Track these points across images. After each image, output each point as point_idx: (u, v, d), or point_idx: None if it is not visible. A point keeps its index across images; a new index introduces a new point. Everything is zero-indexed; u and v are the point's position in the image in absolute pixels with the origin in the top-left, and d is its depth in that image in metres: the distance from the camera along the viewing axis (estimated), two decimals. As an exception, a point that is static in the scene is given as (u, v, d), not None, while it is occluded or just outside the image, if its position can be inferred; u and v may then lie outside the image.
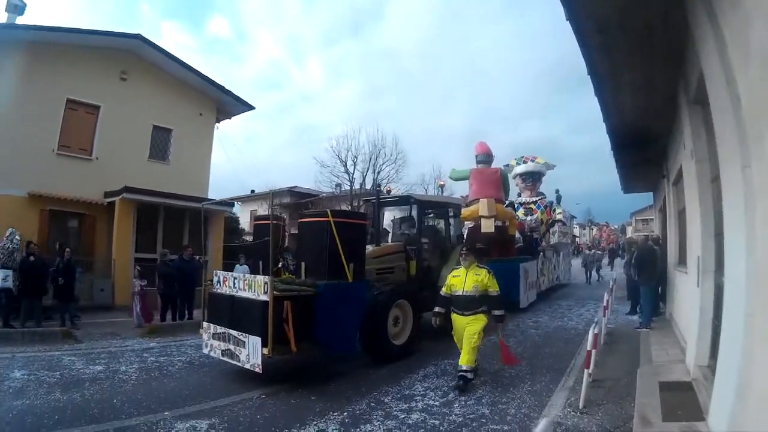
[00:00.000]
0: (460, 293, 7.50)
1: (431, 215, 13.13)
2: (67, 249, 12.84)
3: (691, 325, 7.40)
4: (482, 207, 16.80)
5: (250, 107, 22.50)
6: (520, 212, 23.45)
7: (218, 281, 8.51)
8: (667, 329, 10.82)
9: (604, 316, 10.74)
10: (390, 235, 12.90)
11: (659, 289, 12.81)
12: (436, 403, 6.68)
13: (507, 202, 20.64)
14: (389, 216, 13.45)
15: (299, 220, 9.59)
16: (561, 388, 7.30)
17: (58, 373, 8.13)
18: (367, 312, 8.71)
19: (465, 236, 15.89)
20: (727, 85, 4.10)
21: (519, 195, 25.02)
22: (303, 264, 8.81)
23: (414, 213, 12.10)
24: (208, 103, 21.05)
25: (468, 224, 17.64)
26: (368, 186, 33.19)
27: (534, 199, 24.52)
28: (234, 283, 8.08)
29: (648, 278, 11.80)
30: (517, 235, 19.72)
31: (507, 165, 24.91)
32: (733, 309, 4.46)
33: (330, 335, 7.90)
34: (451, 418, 6.13)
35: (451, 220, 13.26)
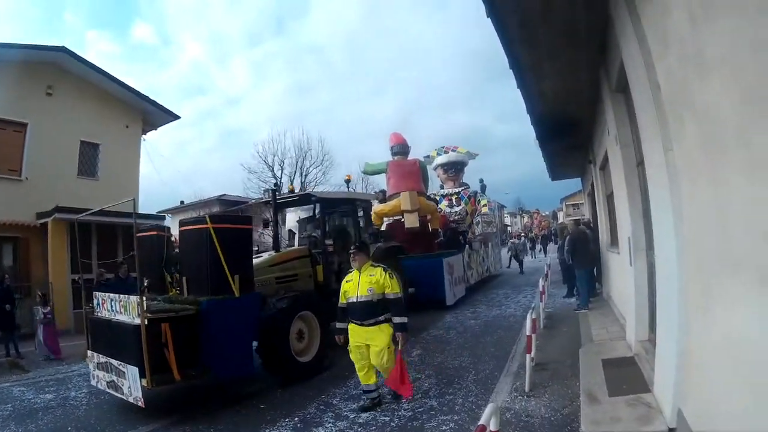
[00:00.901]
0: (354, 299, 6.36)
1: (338, 213, 11.65)
2: (6, 275, 12.27)
3: (628, 303, 7.67)
4: (404, 200, 16.01)
5: (176, 117, 22.13)
6: (443, 204, 22.60)
7: (98, 303, 7.55)
8: (606, 308, 11.15)
9: (541, 301, 11.10)
10: (296, 238, 12.35)
11: (594, 270, 13.22)
12: (384, 400, 6.71)
13: (428, 194, 20.11)
14: (293, 218, 12.80)
15: (179, 229, 8.37)
16: (506, 374, 7.43)
17: (9, 405, 7.85)
18: (264, 327, 7.74)
19: (382, 234, 15.17)
20: (646, 72, 4.32)
21: (442, 187, 24.25)
22: (185, 279, 8.02)
23: (317, 212, 11.23)
24: (134, 115, 20.51)
25: (387, 221, 17.07)
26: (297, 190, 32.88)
27: (457, 190, 23.60)
28: (111, 305, 7.18)
29: (581, 261, 12.10)
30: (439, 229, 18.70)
31: (427, 156, 24.45)
32: (666, 284, 4.69)
33: (220, 357, 7.05)
34: (400, 413, 6.20)
35: (361, 218, 12.26)
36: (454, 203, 22.74)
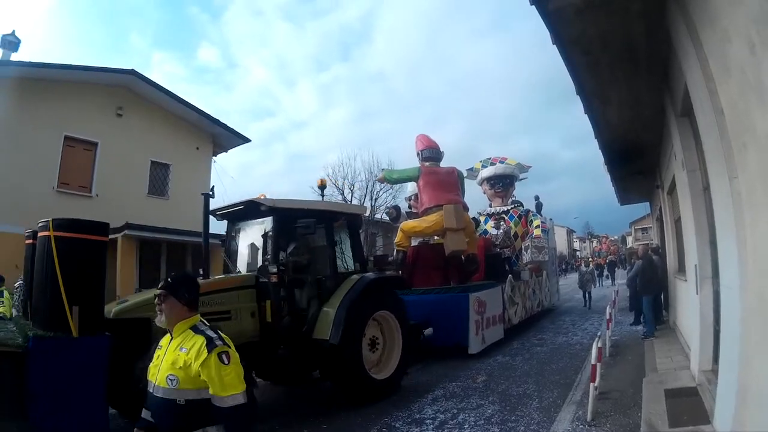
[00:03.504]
0: (152, 390, 3.20)
1: (306, 229, 7.76)
2: None
3: (693, 332, 7.47)
4: (448, 216, 12.53)
5: (246, 140, 22.80)
6: (489, 225, 19.38)
7: None
8: (671, 337, 10.88)
9: (608, 329, 10.84)
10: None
11: (661, 297, 12.88)
12: (447, 425, 6.71)
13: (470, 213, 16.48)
14: (252, 236, 8.65)
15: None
16: (569, 403, 7.33)
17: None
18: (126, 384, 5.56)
19: (400, 259, 13.05)
20: (710, 99, 4.27)
21: (490, 205, 20.73)
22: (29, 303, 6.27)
23: (271, 227, 7.89)
24: (204, 137, 21.31)
25: (402, 243, 13.34)
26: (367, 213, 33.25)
27: (505, 208, 20.15)
28: None
29: (648, 288, 11.85)
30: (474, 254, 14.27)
31: (471, 168, 21.04)
32: (729, 315, 4.58)
33: (51, 417, 5.03)
34: (463, 439, 6.14)
35: (346, 236, 9.27)
36: (502, 224, 19.25)
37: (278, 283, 7.51)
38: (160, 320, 3.28)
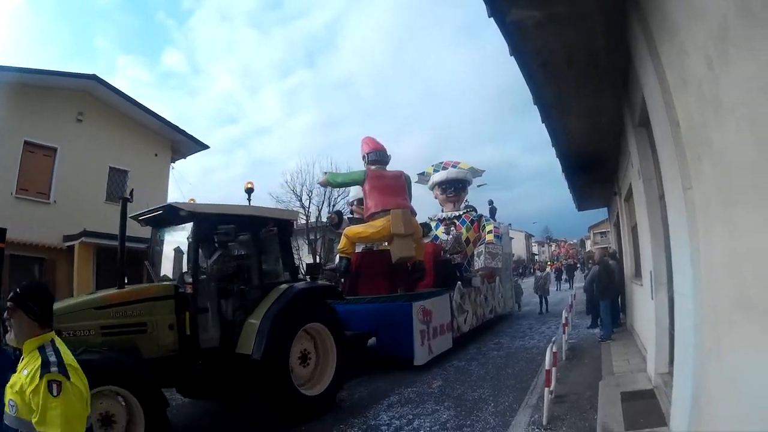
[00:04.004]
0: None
1: (228, 236, 7.41)
2: None
3: (649, 335, 7.66)
4: (395, 221, 11.90)
5: (205, 146, 22.70)
6: (440, 231, 18.82)
7: None
8: (628, 339, 11.09)
9: (564, 333, 11.01)
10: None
11: (618, 300, 13.13)
12: (402, 430, 6.74)
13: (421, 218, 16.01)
14: (174, 243, 8.25)
15: None
16: (524, 407, 7.41)
17: None
18: None
19: (344, 266, 12.69)
20: (666, 111, 4.37)
21: (442, 211, 20.15)
22: None
23: (191, 234, 7.58)
24: (163, 143, 21.08)
25: (346, 250, 12.82)
26: (324, 219, 33.07)
27: (457, 213, 19.54)
28: None
29: (605, 292, 12.04)
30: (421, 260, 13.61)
31: (422, 173, 20.66)
32: (683, 321, 4.70)
33: None
34: (418, 445, 6.14)
35: (275, 243, 8.66)
36: (452, 229, 18.71)
37: (198, 294, 7.09)
38: (9, 337, 2.80)
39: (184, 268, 7.62)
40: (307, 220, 34.71)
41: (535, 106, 7.42)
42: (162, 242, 8.35)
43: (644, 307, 8.61)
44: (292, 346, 7.60)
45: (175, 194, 22.71)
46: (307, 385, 7.89)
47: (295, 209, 31.55)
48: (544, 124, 8.38)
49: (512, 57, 5.71)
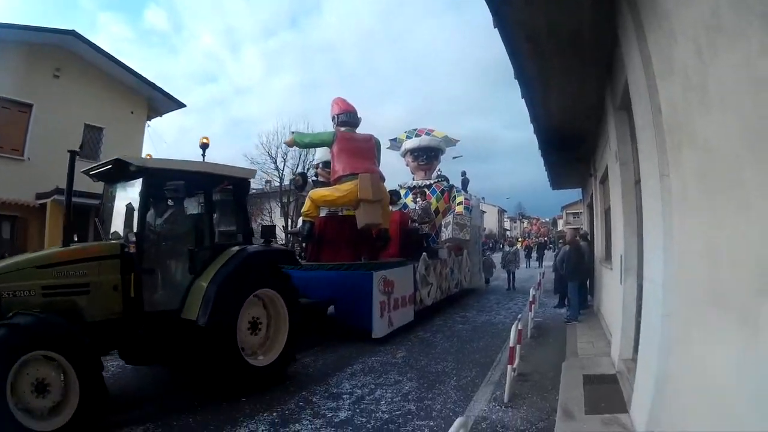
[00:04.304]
0: None
1: (177, 193, 6.85)
2: (6, 252, 12.30)
3: (615, 320, 7.68)
4: (364, 186, 11.55)
5: (181, 105, 22.35)
6: (409, 199, 18.04)
7: None
8: (594, 322, 11.15)
9: (531, 310, 11.10)
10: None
11: (587, 282, 13.23)
12: (364, 400, 6.72)
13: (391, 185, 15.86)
14: (125, 200, 7.51)
15: None
16: (487, 383, 7.42)
17: None
18: None
19: (307, 230, 12.26)
20: (649, 96, 4.30)
21: (413, 179, 19.50)
22: None
23: (139, 191, 6.85)
24: (139, 101, 20.69)
25: (310, 213, 12.30)
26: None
27: (428, 182, 18.92)
28: None
29: (574, 273, 12.11)
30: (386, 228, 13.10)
31: (395, 139, 20.10)
32: (651, 309, 4.69)
33: None
34: (377, 414, 6.18)
35: (230, 204, 8.35)
36: (418, 199, 17.93)
37: (144, 254, 6.66)
38: None
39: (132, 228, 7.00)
40: (281, 183, 34.48)
41: (516, 81, 7.30)
42: (113, 198, 7.80)
43: (612, 291, 8.64)
44: (241, 312, 7.17)
45: (150, 153, 22.38)
46: (257, 354, 7.54)
47: (269, 172, 31.24)
48: (523, 100, 8.29)
49: (496, 29, 5.58)
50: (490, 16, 5.28)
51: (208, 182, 7.65)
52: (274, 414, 6.27)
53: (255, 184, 35.26)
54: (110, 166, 7.15)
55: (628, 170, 6.96)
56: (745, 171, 2.40)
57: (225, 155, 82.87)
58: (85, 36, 18.09)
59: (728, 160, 2.65)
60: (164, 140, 70.92)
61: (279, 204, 32.71)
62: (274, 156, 34.32)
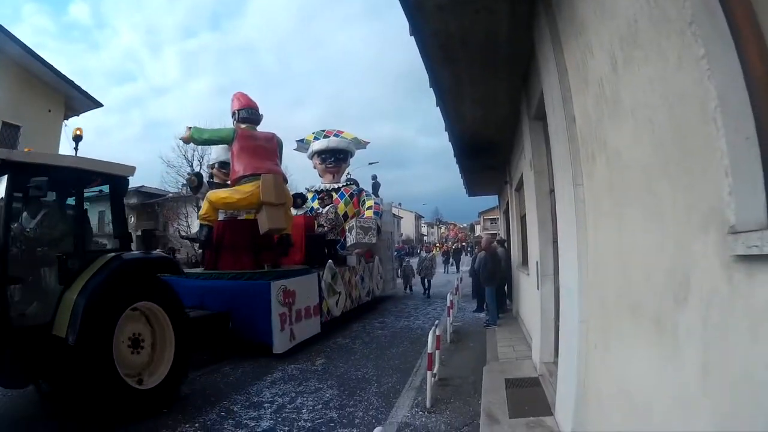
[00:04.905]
0: None
1: (38, 191, 5.90)
2: None
3: (535, 325, 7.82)
4: (266, 188, 10.81)
5: (99, 104, 21.39)
6: (316, 203, 17.66)
7: None
8: (514, 326, 11.32)
9: (449, 315, 11.17)
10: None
11: (505, 287, 13.47)
12: (285, 408, 6.63)
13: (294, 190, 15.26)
14: None
15: None
16: (408, 389, 7.44)
17: None
18: None
19: (204, 235, 11.32)
20: (563, 106, 4.40)
21: (322, 182, 18.86)
22: None
23: (5, 188, 5.98)
24: (57, 99, 19.57)
25: (208, 216, 11.34)
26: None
27: (336, 185, 18.28)
28: None
29: (491, 279, 12.23)
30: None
31: (301, 140, 19.45)
32: (568, 315, 4.80)
33: None
34: (300, 423, 6.11)
35: (105, 203, 7.46)
36: (328, 202, 17.49)
37: (8, 261, 5.80)
38: None
39: None
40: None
41: (432, 89, 7.37)
42: None
43: (530, 296, 8.83)
44: (116, 328, 6.26)
45: (66, 151, 21.29)
46: (142, 376, 6.70)
47: (185, 175, 30.19)
48: (438, 108, 8.38)
49: (412, 37, 5.61)
50: (407, 23, 5.31)
51: (80, 179, 6.83)
52: (197, 425, 6.08)
53: (171, 188, 34.28)
54: None
55: (543, 179, 7.11)
56: (657, 182, 2.46)
57: (141, 158, 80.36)
58: (4, 26, 16.89)
59: (638, 171, 2.72)
60: (80, 140, 67.87)
61: (195, 209, 31.81)
62: (190, 159, 33.50)
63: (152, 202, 36.45)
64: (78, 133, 8.21)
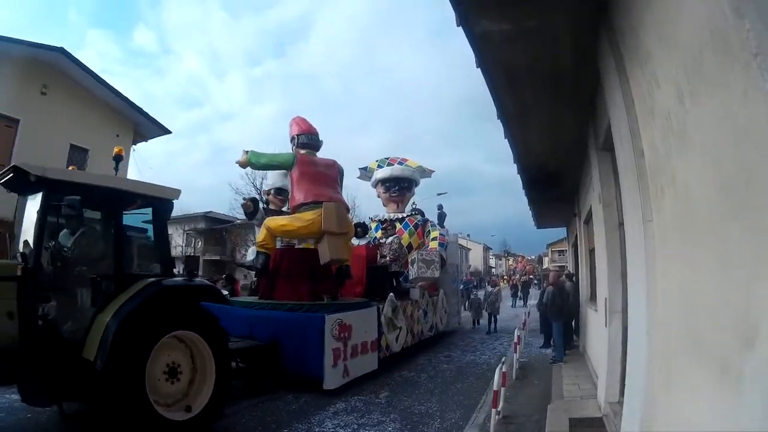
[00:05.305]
0: None
1: (72, 210, 5.81)
2: None
3: (601, 362, 7.58)
4: (328, 216, 10.41)
5: (167, 131, 22.34)
6: (380, 233, 17.01)
7: None
8: (580, 363, 11.03)
9: (515, 351, 10.90)
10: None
11: (572, 322, 13.12)
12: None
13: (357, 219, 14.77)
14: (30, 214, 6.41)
15: None
16: (471, 425, 7.30)
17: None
18: None
19: (261, 263, 10.92)
20: (631, 138, 4.29)
21: (386, 213, 18.27)
22: None
23: (38, 205, 5.99)
24: (126, 125, 20.60)
25: (266, 244, 10.98)
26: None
27: (401, 215, 17.64)
28: None
29: (559, 314, 11.99)
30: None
31: (365, 168, 18.91)
32: (635, 355, 4.61)
33: None
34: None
35: (148, 225, 7.32)
36: (392, 232, 16.72)
37: (42, 278, 5.80)
38: None
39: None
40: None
41: (499, 120, 7.35)
42: (24, 211, 6.78)
43: (598, 333, 8.56)
44: (151, 355, 6.07)
45: (134, 177, 22.17)
46: (176, 407, 6.47)
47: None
48: (506, 139, 8.32)
49: (478, 69, 5.62)
50: (472, 53, 5.32)
51: (120, 200, 6.69)
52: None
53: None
54: (11, 175, 6.24)
55: (612, 212, 6.92)
56: (725, 222, 2.35)
57: (208, 182, 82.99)
58: (73, 54, 18.09)
59: (707, 210, 2.61)
60: (149, 166, 70.75)
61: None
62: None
63: (220, 228, 37.47)
64: (118, 152, 8.13)
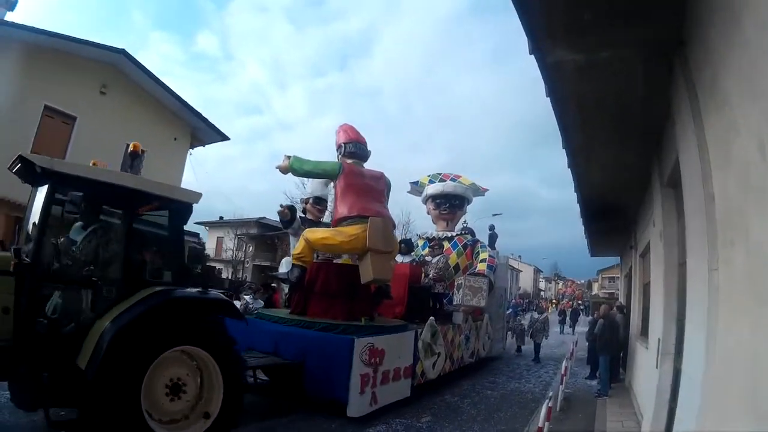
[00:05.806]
0: None
1: (72, 207, 5.62)
2: None
3: (648, 402, 7.37)
4: (374, 233, 9.53)
5: (225, 137, 22.62)
6: (426, 251, 15.92)
7: None
8: (625, 398, 10.76)
9: (561, 383, 10.69)
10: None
11: (620, 355, 12.80)
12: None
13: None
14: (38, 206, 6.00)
15: None
16: (514, 457, 7.11)
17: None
18: None
19: (296, 276, 9.97)
20: (702, 182, 4.13)
21: (436, 230, 17.24)
22: None
23: (44, 198, 5.66)
24: (183, 128, 21.02)
25: (303, 257, 10.06)
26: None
27: (450, 234, 16.53)
28: None
29: (607, 348, 11.72)
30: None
31: (416, 182, 18.00)
32: (686, 403, 4.48)
33: None
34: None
35: (161, 229, 6.93)
36: (439, 251, 15.47)
37: (41, 275, 5.49)
38: None
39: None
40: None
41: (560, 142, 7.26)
42: (32, 204, 6.35)
43: (646, 371, 8.32)
44: (150, 369, 5.59)
45: (190, 181, 22.51)
46: (174, 427, 5.93)
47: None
48: (570, 169, 8.20)
49: (548, 98, 5.57)
50: (529, 71, 5.32)
51: (133, 200, 6.25)
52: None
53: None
54: (19, 165, 5.85)
55: (673, 251, 6.69)
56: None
57: (264, 189, 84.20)
58: (134, 56, 18.57)
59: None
60: (205, 170, 72.11)
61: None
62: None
63: (272, 234, 37.86)
64: (135, 148, 7.87)
